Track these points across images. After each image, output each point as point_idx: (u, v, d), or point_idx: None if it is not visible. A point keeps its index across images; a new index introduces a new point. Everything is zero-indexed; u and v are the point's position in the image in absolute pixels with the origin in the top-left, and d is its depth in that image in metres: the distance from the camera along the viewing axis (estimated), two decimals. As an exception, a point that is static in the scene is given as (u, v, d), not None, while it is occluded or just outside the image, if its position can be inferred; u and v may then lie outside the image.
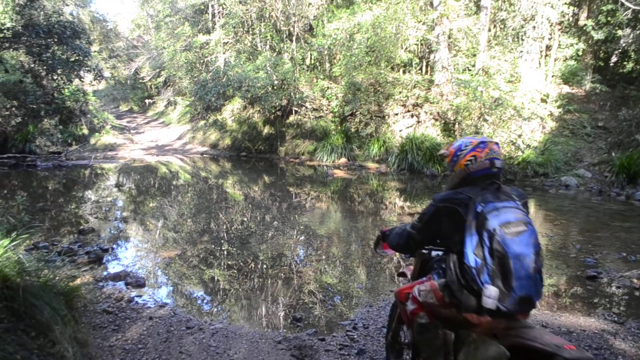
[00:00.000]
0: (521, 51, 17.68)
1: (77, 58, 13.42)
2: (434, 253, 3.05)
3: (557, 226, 9.35)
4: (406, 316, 2.94)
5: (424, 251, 3.05)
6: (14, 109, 18.04)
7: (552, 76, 17.66)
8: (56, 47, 12.85)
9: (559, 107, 16.26)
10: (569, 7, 16.60)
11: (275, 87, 20.35)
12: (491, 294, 2.20)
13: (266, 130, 22.23)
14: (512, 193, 2.48)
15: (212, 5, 25.29)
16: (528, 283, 2.24)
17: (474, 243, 2.30)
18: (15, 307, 3.16)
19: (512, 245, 2.22)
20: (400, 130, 18.25)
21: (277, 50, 23.23)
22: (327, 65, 22.22)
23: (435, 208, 2.55)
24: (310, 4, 22.04)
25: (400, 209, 11.34)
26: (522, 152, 15.03)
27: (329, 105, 20.72)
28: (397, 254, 3.97)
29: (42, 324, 3.20)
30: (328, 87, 20.87)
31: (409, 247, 2.88)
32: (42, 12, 16.18)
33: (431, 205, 2.58)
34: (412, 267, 3.29)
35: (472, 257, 2.29)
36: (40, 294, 3.37)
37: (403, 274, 3.38)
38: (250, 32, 24.06)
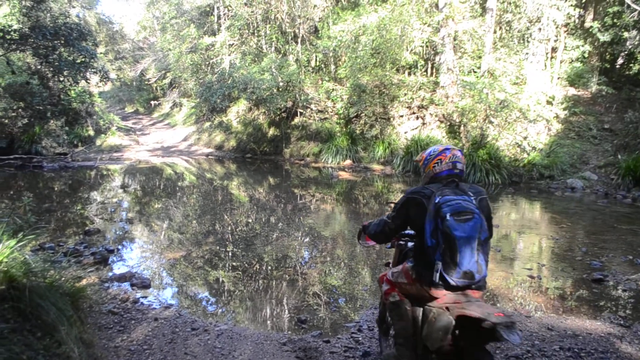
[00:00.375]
0: (527, 53, 17.63)
1: (83, 60, 13.48)
2: (410, 244, 3.59)
3: (563, 229, 9.31)
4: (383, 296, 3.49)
5: (401, 242, 3.60)
6: (20, 110, 18.13)
7: (558, 78, 17.60)
8: (63, 49, 12.90)
9: (564, 109, 16.21)
10: (574, 9, 16.55)
11: (280, 89, 20.38)
12: (439, 267, 2.75)
13: (271, 131, 22.25)
14: (468, 190, 2.96)
15: (218, 7, 25.34)
16: (471, 260, 2.73)
17: (431, 227, 2.82)
18: (22, 308, 3.17)
19: (459, 230, 2.71)
20: (405, 132, 18.24)
21: (282, 52, 23.25)
22: (332, 67, 22.24)
23: (406, 198, 3.05)
24: (315, 6, 22.06)
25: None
26: (528, 154, 14.99)
27: (334, 107, 20.74)
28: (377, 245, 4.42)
29: (48, 325, 3.21)
30: (333, 89, 20.89)
31: (385, 234, 3.31)
32: (48, 14, 16.27)
33: (403, 197, 3.09)
34: (393, 259, 3.78)
35: (429, 239, 2.83)
36: (46, 294, 3.38)
37: (388, 264, 3.84)
38: (256, 34, 24.09)
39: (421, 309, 3.02)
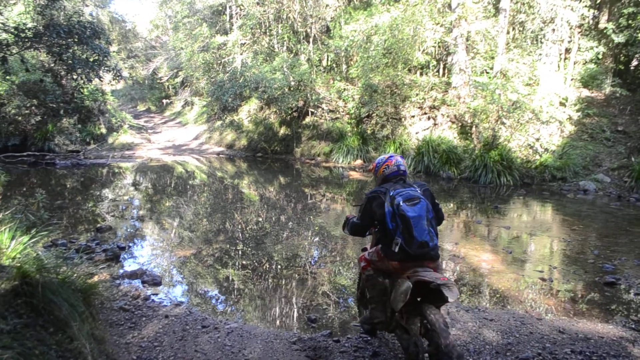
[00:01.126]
0: (540, 54, 17.51)
1: (96, 58, 13.52)
2: None
3: (575, 231, 9.25)
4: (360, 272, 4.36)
5: (376, 230, 4.21)
6: (33, 107, 18.29)
7: (572, 79, 17.45)
8: (76, 47, 12.95)
9: (578, 110, 16.06)
10: (589, 10, 16.40)
11: (291, 88, 20.39)
12: (399, 241, 3.55)
13: (282, 131, 22.28)
14: (413, 184, 3.87)
15: (230, 7, 25.40)
16: (423, 233, 3.51)
17: (390, 214, 3.62)
18: (35, 303, 3.20)
19: (410, 211, 3.53)
20: (416, 133, 18.18)
21: (294, 51, 23.27)
22: (344, 66, 22.22)
23: (368, 198, 3.87)
24: (327, 5, 22.05)
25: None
26: (540, 155, 14.88)
27: (345, 106, 20.72)
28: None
29: (60, 320, 3.23)
30: (344, 89, 20.87)
31: (359, 231, 4.17)
32: (62, 13, 16.36)
33: (365, 198, 3.91)
34: (370, 244, 4.49)
35: (390, 223, 3.62)
36: (58, 290, 3.40)
37: (365, 249, 4.46)
38: (268, 34, 24.13)
39: (388, 280, 3.88)
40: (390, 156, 4.11)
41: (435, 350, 3.23)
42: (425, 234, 3.52)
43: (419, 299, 3.56)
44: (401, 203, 3.59)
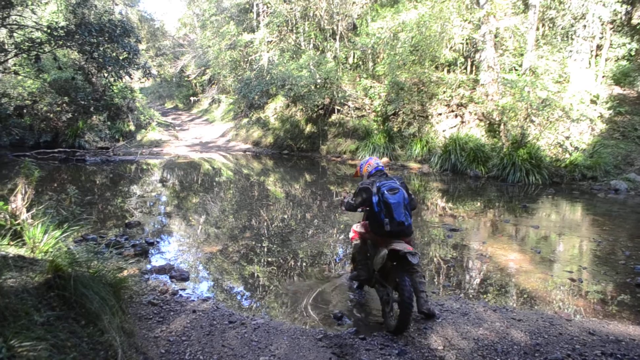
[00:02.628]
0: (571, 51, 17.18)
1: (126, 56, 13.74)
2: None
3: (606, 231, 9.07)
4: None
5: (366, 210, 5.29)
6: (65, 105, 18.64)
7: (603, 76, 17.08)
8: (107, 45, 13.17)
9: (609, 108, 15.71)
10: (621, 5, 16.04)
11: (318, 86, 20.42)
12: (387, 222, 4.66)
13: (308, 128, 22.32)
14: (393, 177, 5.00)
15: (257, 5, 25.54)
16: (401, 215, 4.66)
17: (377, 200, 4.76)
18: (67, 296, 3.26)
19: (392, 199, 4.68)
20: (443, 131, 18.04)
21: (320, 49, 23.28)
22: (370, 64, 22.14)
23: (360, 188, 5.06)
24: (354, 2, 22.01)
25: (442, 210, 11.21)
26: (570, 154, 14.63)
27: (371, 104, 20.66)
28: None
29: (91, 313, 3.29)
30: (371, 86, 20.80)
31: (353, 209, 5.24)
32: (93, 12, 16.66)
33: (358, 188, 5.11)
34: (362, 219, 5.73)
35: (376, 207, 4.77)
36: (90, 284, 3.46)
37: (359, 222, 5.70)
38: (294, 31, 24.18)
39: (371, 248, 5.20)
40: (369, 158, 5.58)
41: (400, 299, 4.41)
42: (402, 216, 4.71)
43: (394, 263, 4.69)
44: (385, 192, 4.76)
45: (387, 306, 4.79)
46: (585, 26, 16.63)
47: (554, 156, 14.76)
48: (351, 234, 5.68)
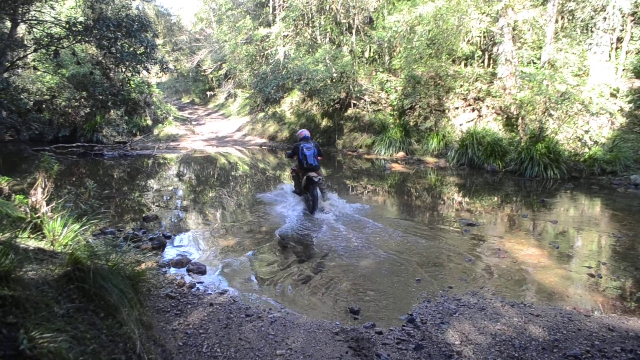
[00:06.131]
0: (590, 43, 16.91)
1: (143, 50, 13.82)
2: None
3: (625, 226, 8.95)
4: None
5: (296, 158, 9.59)
6: (83, 100, 18.85)
7: (623, 70, 16.79)
8: (124, 40, 13.26)
9: (630, 102, 15.47)
10: (643, -3, 15.76)
11: (334, 80, 20.38)
12: (304, 163, 9.29)
13: (324, 122, 22.31)
14: (311, 141, 9.68)
15: (273, -1, 25.51)
16: (311, 159, 9.29)
17: (301, 153, 9.36)
18: (86, 289, 3.30)
19: (307, 152, 9.30)
20: (460, 125, 17.91)
21: (336, 43, 23.21)
22: (387, 58, 22.01)
23: (295, 146, 9.62)
24: (370, -4, 21.88)
25: (458, 205, 11.14)
26: (589, 148, 14.44)
27: (387, 98, 20.58)
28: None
29: (110, 306, 3.33)
30: (387, 80, 20.71)
31: (290, 157, 9.89)
32: (110, 7, 16.78)
33: (294, 146, 9.67)
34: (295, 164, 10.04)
35: (300, 155, 9.36)
36: (109, 277, 3.50)
37: (293, 169, 10.15)
38: (310, 25, 24.13)
39: (301, 176, 9.56)
40: (301, 130, 10.17)
41: (312, 197, 9.20)
42: (311, 160, 9.21)
43: (311, 185, 9.14)
44: (304, 149, 9.27)
45: (308, 202, 9.56)
46: (605, 18, 16.36)
47: (572, 150, 14.58)
48: (291, 171, 10.58)
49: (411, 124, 19.17)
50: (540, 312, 5.00)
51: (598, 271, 6.45)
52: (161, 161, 17.64)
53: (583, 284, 6.05)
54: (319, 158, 9.39)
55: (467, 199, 11.82)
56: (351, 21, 22.52)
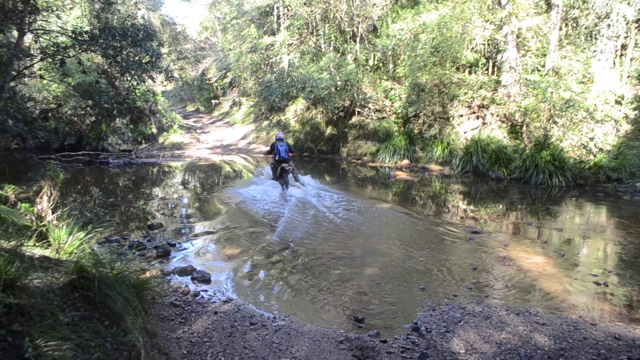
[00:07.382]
0: (594, 50, 16.91)
1: (149, 59, 13.87)
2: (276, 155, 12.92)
3: (631, 234, 8.91)
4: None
5: (273, 154, 12.83)
6: (88, 108, 18.94)
7: (628, 77, 16.76)
8: (130, 49, 13.33)
9: (634, 109, 15.44)
10: (647, 4, 15.75)
11: (338, 88, 20.43)
12: (278, 157, 12.55)
13: (329, 130, 22.35)
14: (285, 141, 12.93)
15: (277, 7, 25.64)
16: (283, 153, 12.46)
17: (276, 150, 12.52)
18: (91, 297, 3.31)
19: (281, 148, 12.48)
20: (465, 132, 17.91)
21: (340, 51, 23.29)
22: (391, 66, 22.06)
23: (272, 145, 12.84)
24: (374, 4, 21.98)
25: (463, 212, 11.12)
26: (594, 156, 14.41)
27: (392, 106, 20.60)
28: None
29: (115, 314, 3.34)
30: (391, 88, 20.74)
31: (269, 154, 13.41)
32: (116, 16, 16.89)
33: (272, 145, 12.89)
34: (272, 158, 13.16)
35: (275, 152, 12.55)
36: (113, 285, 3.51)
37: (271, 162, 13.51)
38: (315, 34, 24.23)
39: (277, 167, 12.74)
40: (277, 133, 13.80)
41: (284, 183, 12.51)
42: (284, 154, 12.41)
43: (284, 172, 12.46)
44: (278, 146, 12.46)
45: (282, 187, 12.35)
46: (609, 25, 16.37)
47: (577, 158, 14.55)
48: (270, 164, 13.41)
49: (415, 131, 19.18)
50: (545, 321, 4.97)
51: (604, 279, 6.41)
52: (166, 169, 17.69)
53: (589, 293, 6.01)
54: (290, 154, 12.70)
55: (472, 207, 11.79)
56: (355, 29, 22.61)
